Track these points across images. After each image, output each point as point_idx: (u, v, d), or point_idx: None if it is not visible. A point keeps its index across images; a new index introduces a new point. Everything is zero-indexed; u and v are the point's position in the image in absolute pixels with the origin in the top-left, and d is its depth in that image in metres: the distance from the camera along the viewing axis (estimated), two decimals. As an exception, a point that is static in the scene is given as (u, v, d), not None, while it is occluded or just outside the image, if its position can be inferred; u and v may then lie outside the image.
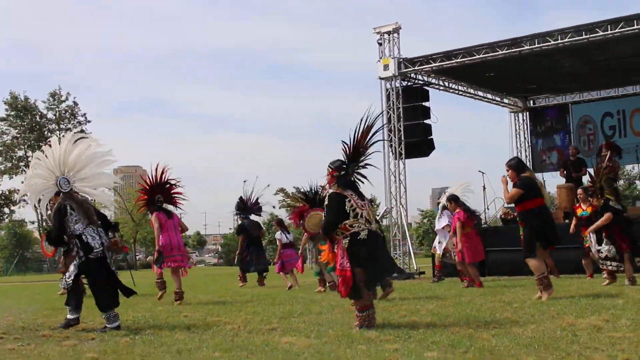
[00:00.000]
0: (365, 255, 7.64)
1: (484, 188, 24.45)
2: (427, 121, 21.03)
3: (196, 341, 7.03)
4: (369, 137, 8.09)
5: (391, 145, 20.62)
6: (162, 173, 12.88)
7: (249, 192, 18.27)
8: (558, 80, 23.60)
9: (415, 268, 19.65)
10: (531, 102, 26.53)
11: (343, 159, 8.11)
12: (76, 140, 9.11)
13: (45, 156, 9.04)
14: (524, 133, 26.40)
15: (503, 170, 10.61)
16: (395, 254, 20.05)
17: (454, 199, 14.44)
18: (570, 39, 18.07)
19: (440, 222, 15.95)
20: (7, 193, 41.34)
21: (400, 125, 20.51)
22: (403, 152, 20.53)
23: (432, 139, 21.15)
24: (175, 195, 13.18)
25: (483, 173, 24.43)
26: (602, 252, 12.33)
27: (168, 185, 13.02)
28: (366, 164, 8.32)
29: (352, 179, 8.13)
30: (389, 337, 6.73)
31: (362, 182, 8.48)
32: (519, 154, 26.21)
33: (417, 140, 20.68)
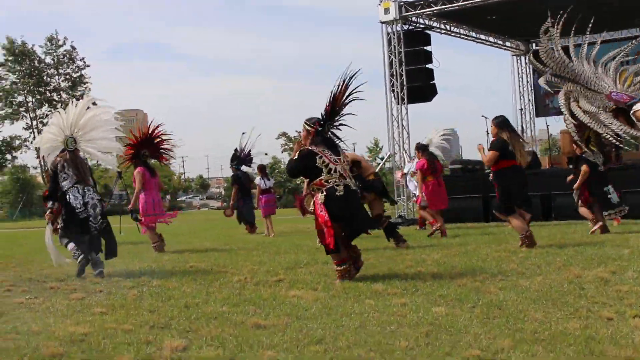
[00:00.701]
0: (341, 210, 7.73)
1: (488, 133, 24.47)
2: (429, 66, 20.87)
3: (203, 294, 7.05)
4: (345, 95, 8.18)
5: (393, 91, 20.49)
6: (155, 128, 12.91)
7: (244, 144, 18.43)
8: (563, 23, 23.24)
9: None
10: (534, 44, 26.27)
11: (320, 117, 8.18)
12: (91, 105, 9.56)
13: (60, 116, 9.47)
14: (527, 76, 26.23)
15: (506, 115, 11.09)
16: (399, 198, 20.08)
17: (421, 148, 14.69)
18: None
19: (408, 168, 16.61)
20: (8, 139, 41.17)
21: (402, 70, 20.34)
22: (405, 97, 20.40)
23: (434, 83, 21.04)
24: (163, 151, 13.17)
25: (486, 118, 24.41)
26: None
27: (158, 140, 13.01)
28: (341, 124, 8.41)
29: (328, 135, 8.18)
30: (396, 290, 6.74)
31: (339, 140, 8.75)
32: (521, 97, 26.16)
33: (419, 85, 20.55)
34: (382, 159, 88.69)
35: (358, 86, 8.29)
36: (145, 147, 12.90)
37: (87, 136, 9.38)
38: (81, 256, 9.05)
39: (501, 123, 10.67)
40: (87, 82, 68.67)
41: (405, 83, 20.33)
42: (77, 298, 7.11)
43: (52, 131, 9.48)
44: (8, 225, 39.55)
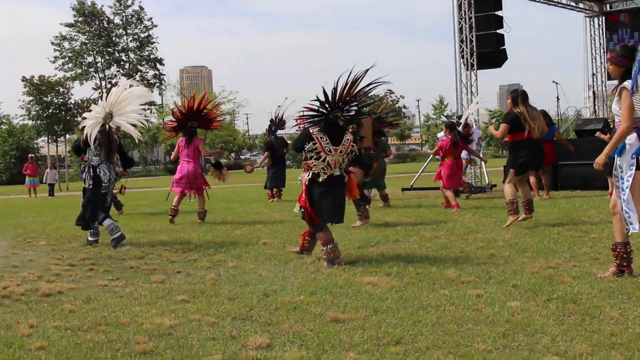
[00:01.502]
0: (320, 196, 8.09)
1: (558, 99, 24.18)
2: (499, 31, 20.55)
3: (280, 279, 7.21)
4: (356, 89, 8.24)
5: (463, 56, 20.29)
6: (200, 102, 13.24)
7: (280, 111, 18.74)
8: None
9: (487, 181, 19.61)
10: (607, 6, 25.66)
11: (324, 103, 8.20)
12: (130, 86, 10.66)
13: (103, 98, 10.66)
14: (599, 39, 25.66)
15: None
16: (468, 169, 20.00)
17: (449, 126, 14.76)
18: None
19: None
20: (79, 102, 42.03)
21: (472, 36, 20.12)
22: (475, 63, 20.19)
23: (504, 49, 20.71)
24: (214, 119, 13.70)
25: (557, 83, 24.14)
26: None
27: (205, 111, 13.37)
28: (352, 116, 8.69)
29: (334, 122, 8.22)
30: (470, 278, 6.81)
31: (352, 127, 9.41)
32: (593, 61, 25.65)
33: (489, 51, 20.29)
34: (447, 116, 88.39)
35: (370, 83, 8.37)
36: (192, 119, 13.27)
37: (122, 111, 10.41)
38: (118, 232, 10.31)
39: (515, 98, 10.76)
40: (154, 42, 69.47)
41: (475, 49, 20.10)
42: (158, 281, 7.35)
43: (96, 110, 10.51)
44: (72, 187, 40.40)
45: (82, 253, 9.69)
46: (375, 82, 8.40)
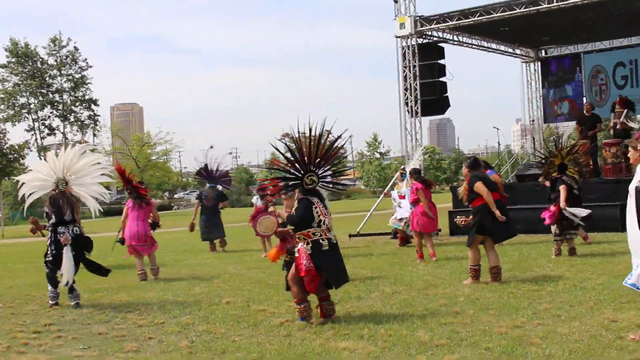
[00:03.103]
0: (326, 263, 8.21)
1: (499, 144, 24.82)
2: (442, 79, 21.10)
3: (255, 346, 7.28)
4: (326, 151, 8.36)
5: (407, 104, 20.73)
6: (128, 177, 13.59)
7: (212, 159, 18.96)
8: (571, 32, 23.56)
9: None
10: (543, 52, 26.54)
11: (297, 170, 8.33)
12: (84, 152, 10.68)
13: (53, 159, 10.51)
14: (536, 83, 26.47)
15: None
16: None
17: (416, 172, 14.84)
18: (591, -4, 18.06)
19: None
20: (16, 147, 41.32)
21: (416, 84, 20.59)
22: (419, 110, 20.65)
23: (447, 96, 21.27)
24: (143, 192, 13.72)
25: (498, 129, 24.79)
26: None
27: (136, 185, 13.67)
28: (333, 181, 8.98)
29: (314, 187, 8.37)
30: (442, 341, 6.99)
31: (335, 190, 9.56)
32: (530, 104, 26.42)
33: (433, 99, 20.79)
34: (381, 154, 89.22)
35: (340, 147, 8.64)
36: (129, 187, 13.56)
37: (80, 181, 10.48)
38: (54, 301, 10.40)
39: (471, 164, 10.96)
40: (89, 83, 68.80)
41: (419, 96, 20.57)
42: (132, 350, 7.37)
43: (43, 172, 10.53)
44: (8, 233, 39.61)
45: (44, 317, 9.60)
46: (340, 142, 8.56)
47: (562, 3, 18.58)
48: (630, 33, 24.33)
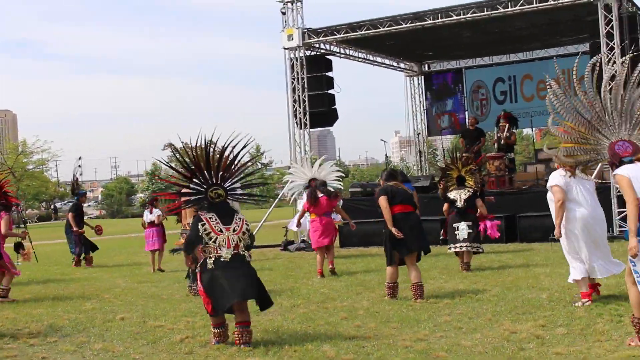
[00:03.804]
0: (208, 282, 7.66)
1: (387, 156, 25.18)
2: (331, 91, 21.28)
3: (157, 364, 7.09)
4: (230, 163, 8.06)
5: (296, 116, 20.79)
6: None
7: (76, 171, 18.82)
8: (454, 47, 24.23)
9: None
10: (426, 66, 27.15)
11: (200, 183, 8.00)
12: None
13: None
14: (419, 97, 27.04)
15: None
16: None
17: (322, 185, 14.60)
18: (473, 15, 18.60)
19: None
20: None
21: (304, 96, 20.67)
22: (308, 122, 20.74)
23: (335, 108, 21.46)
24: (8, 194, 12.60)
25: (384, 142, 25.17)
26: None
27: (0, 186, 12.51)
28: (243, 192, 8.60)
29: (222, 201, 7.97)
30: (349, 356, 6.97)
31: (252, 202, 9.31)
32: (414, 117, 26.94)
33: (321, 111, 20.93)
34: (263, 164, 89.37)
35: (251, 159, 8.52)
36: None
37: None
38: None
39: (388, 174, 10.80)
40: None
41: (308, 108, 20.66)
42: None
43: None
44: None
45: None
46: (248, 155, 8.42)
47: (446, 19, 19.07)
48: (508, 50, 25.26)
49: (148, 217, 16.26)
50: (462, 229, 13.04)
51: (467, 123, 23.62)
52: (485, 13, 18.47)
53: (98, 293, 12.58)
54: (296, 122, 20.86)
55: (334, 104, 21.39)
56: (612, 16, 17.03)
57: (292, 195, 18.36)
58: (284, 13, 20.62)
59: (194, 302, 10.83)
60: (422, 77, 27.03)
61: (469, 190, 13.28)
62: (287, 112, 20.92)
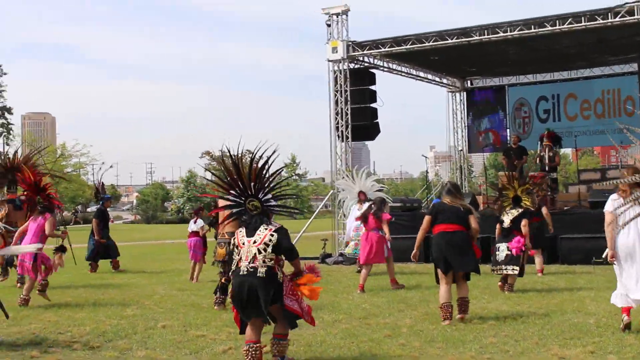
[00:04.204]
0: (234, 297, 7.51)
1: (427, 172, 25.05)
2: (373, 105, 21.23)
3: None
4: (264, 171, 7.79)
5: (337, 129, 20.75)
6: (37, 177, 12.72)
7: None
8: (498, 64, 24.09)
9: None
10: (469, 82, 27.00)
11: (237, 195, 7.88)
12: None
13: None
14: (461, 113, 26.89)
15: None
16: (341, 237, 20.33)
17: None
18: (520, 32, 18.46)
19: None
20: None
21: (347, 109, 20.64)
22: (350, 135, 20.70)
23: (377, 122, 21.40)
24: (51, 196, 12.83)
25: (426, 157, 25.03)
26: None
27: (44, 187, 12.77)
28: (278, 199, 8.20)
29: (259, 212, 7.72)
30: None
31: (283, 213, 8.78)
32: (455, 134, 26.80)
33: (363, 124, 20.88)
34: (299, 175, 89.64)
35: (280, 168, 8.20)
36: (38, 193, 12.65)
37: None
38: None
39: (447, 188, 10.55)
40: (2, 91, 67.07)
41: (350, 121, 20.63)
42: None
43: None
44: None
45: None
46: (278, 165, 8.24)
47: (492, 36, 18.96)
48: (552, 69, 25.03)
49: (192, 226, 16.21)
50: (502, 250, 12.85)
51: (508, 141, 23.44)
52: (533, 30, 18.34)
53: (138, 299, 12.59)
54: (338, 135, 20.81)
55: (377, 118, 21.35)
56: (663, 37, 16.82)
57: (342, 207, 18.24)
58: (329, 25, 20.64)
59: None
60: (465, 93, 26.87)
61: (518, 210, 13.04)
62: (329, 124, 20.88)
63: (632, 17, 17.12)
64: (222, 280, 11.29)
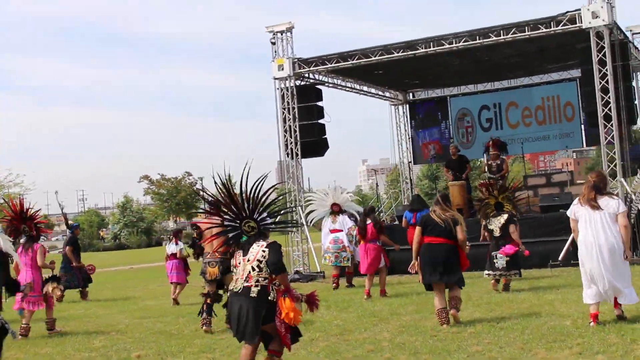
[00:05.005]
0: (228, 313, 7.60)
1: (377, 185, 25.11)
2: (321, 121, 21.21)
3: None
4: (256, 193, 7.78)
5: (287, 146, 20.66)
6: (23, 206, 12.42)
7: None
8: (440, 76, 24.32)
9: (318, 269, 19.75)
10: (411, 95, 27.21)
11: (232, 219, 7.81)
12: None
13: None
14: (404, 125, 27.04)
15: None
16: (295, 254, 20.20)
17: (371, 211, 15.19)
18: (465, 43, 18.67)
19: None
20: None
21: (295, 126, 20.56)
22: (299, 152, 20.62)
23: (326, 138, 21.39)
24: (39, 224, 12.66)
25: (376, 171, 25.06)
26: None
27: (31, 216, 12.46)
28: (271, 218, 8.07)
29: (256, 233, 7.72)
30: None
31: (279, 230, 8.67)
32: (399, 146, 26.91)
33: (312, 140, 20.82)
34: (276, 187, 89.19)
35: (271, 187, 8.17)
36: (23, 222, 12.30)
37: None
38: None
39: (435, 200, 10.91)
40: None
41: (299, 138, 20.55)
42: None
43: None
44: None
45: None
46: (270, 186, 8.19)
47: (437, 48, 19.09)
48: (493, 78, 25.38)
49: (171, 249, 16.28)
50: (500, 257, 13.40)
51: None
52: (477, 41, 18.53)
53: (102, 329, 12.23)
54: (287, 153, 20.71)
55: (325, 134, 21.33)
56: (604, 43, 17.16)
57: (313, 221, 18.04)
58: (273, 43, 20.55)
59: (207, 337, 10.61)
60: (407, 105, 27.07)
61: (503, 216, 13.62)
62: (277, 142, 20.77)
63: (573, 25, 17.45)
64: (208, 301, 11.20)
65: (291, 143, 20.58)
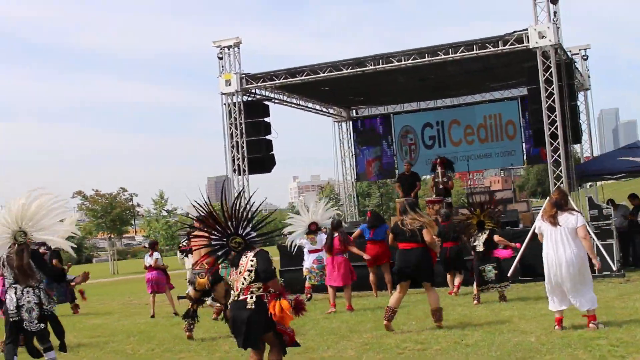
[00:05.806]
0: (230, 326, 7.78)
1: (317, 202, 24.96)
2: (268, 137, 21.12)
3: None
4: (237, 209, 7.84)
5: (234, 162, 20.49)
6: None
7: None
8: (384, 93, 24.48)
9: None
10: (354, 112, 27.30)
11: (219, 237, 7.89)
12: (35, 195, 9.25)
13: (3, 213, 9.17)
14: (348, 142, 27.11)
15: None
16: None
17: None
18: (413, 61, 18.82)
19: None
20: None
21: (243, 142, 20.41)
22: (247, 168, 20.47)
23: (273, 154, 21.31)
24: None
25: (322, 188, 25.00)
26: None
27: None
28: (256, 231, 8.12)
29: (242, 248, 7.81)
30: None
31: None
32: (343, 163, 26.93)
33: (259, 156, 20.71)
34: (168, 211, 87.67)
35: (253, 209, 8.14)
36: None
37: (39, 225, 9.17)
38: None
39: (402, 207, 11.47)
40: None
41: (246, 154, 20.40)
42: None
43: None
44: None
45: None
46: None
47: (386, 65, 19.20)
48: (436, 96, 25.65)
49: (148, 260, 16.43)
50: (489, 271, 13.79)
51: (398, 169, 23.86)
52: (426, 59, 18.72)
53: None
54: (234, 169, 20.54)
55: (272, 150, 21.25)
56: (550, 62, 17.47)
57: (294, 244, 17.31)
58: (220, 58, 20.42)
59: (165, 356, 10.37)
60: (351, 122, 27.15)
61: (486, 232, 13.85)
62: (224, 159, 20.57)
63: (521, 45, 17.76)
64: (193, 307, 11.56)
65: (238, 159, 20.41)
